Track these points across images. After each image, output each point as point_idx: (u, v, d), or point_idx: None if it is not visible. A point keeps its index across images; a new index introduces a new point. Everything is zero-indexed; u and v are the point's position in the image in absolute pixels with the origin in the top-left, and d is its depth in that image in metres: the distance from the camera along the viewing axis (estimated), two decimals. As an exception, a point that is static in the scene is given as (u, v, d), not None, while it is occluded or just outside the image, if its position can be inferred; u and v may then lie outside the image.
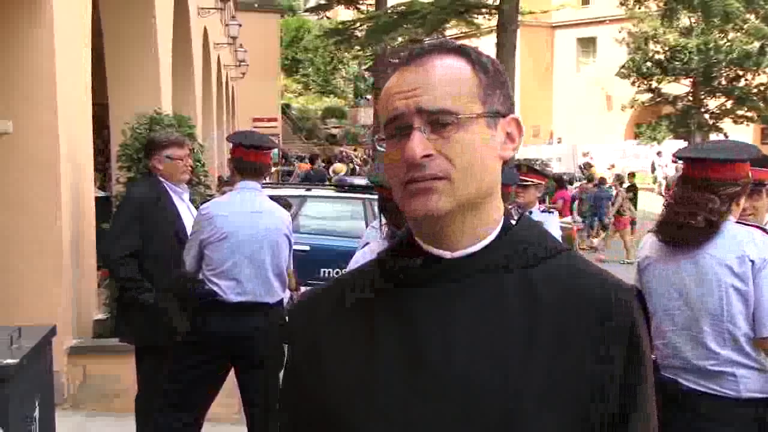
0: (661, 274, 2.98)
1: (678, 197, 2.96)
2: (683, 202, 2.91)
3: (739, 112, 32.54)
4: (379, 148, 1.17)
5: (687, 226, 2.86)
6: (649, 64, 32.79)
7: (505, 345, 1.08)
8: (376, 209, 3.42)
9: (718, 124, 32.95)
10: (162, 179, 4.53)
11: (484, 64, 1.16)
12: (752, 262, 2.76)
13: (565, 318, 1.09)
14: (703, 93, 32.96)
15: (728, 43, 30.98)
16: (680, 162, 3.06)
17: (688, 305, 2.87)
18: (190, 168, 4.72)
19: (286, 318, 4.47)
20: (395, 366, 1.11)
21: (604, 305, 1.09)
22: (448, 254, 1.15)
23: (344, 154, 29.93)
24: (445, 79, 1.12)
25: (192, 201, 6.60)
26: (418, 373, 1.09)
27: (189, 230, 4.44)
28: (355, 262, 3.30)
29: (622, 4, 32.32)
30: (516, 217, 1.22)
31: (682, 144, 32.87)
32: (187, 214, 4.60)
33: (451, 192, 1.10)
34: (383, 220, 3.20)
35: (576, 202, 19.00)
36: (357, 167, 25.24)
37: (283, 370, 1.28)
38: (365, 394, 1.12)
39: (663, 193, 24.80)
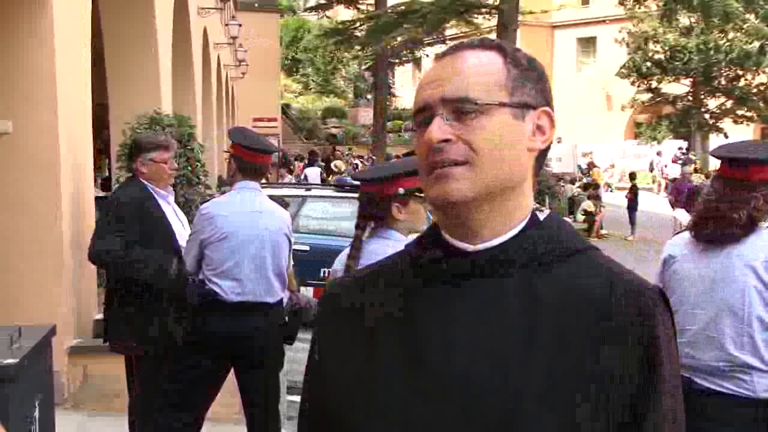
0: (687, 272, 2.96)
1: (719, 194, 2.92)
2: (724, 199, 2.87)
3: (739, 112, 32.52)
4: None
5: (729, 220, 2.83)
6: (648, 64, 32.78)
7: (505, 345, 1.08)
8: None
9: (718, 123, 32.94)
10: (146, 182, 4.43)
11: (517, 58, 1.17)
12: None
13: (565, 318, 1.08)
14: (703, 93, 32.95)
15: (728, 43, 30.97)
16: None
17: (712, 305, 2.86)
18: (174, 172, 4.61)
19: (286, 318, 4.47)
20: (395, 366, 1.11)
21: (604, 305, 1.09)
22: (470, 247, 1.15)
23: (340, 153, 29.93)
24: (471, 70, 1.14)
25: (192, 201, 6.62)
26: (418, 373, 1.09)
27: (177, 234, 4.44)
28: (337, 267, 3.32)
29: (621, 3, 32.32)
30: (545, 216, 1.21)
31: (682, 144, 32.91)
32: (174, 218, 4.54)
33: (472, 178, 1.11)
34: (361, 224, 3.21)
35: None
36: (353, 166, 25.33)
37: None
38: (365, 394, 1.12)
39: (666, 193, 24.73)
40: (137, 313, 4.30)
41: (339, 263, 3.22)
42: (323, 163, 25.08)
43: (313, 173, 20.95)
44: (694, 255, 2.96)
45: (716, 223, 2.87)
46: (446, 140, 1.11)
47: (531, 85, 1.17)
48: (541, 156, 1.19)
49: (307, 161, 23.71)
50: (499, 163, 1.12)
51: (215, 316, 4.10)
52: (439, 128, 1.11)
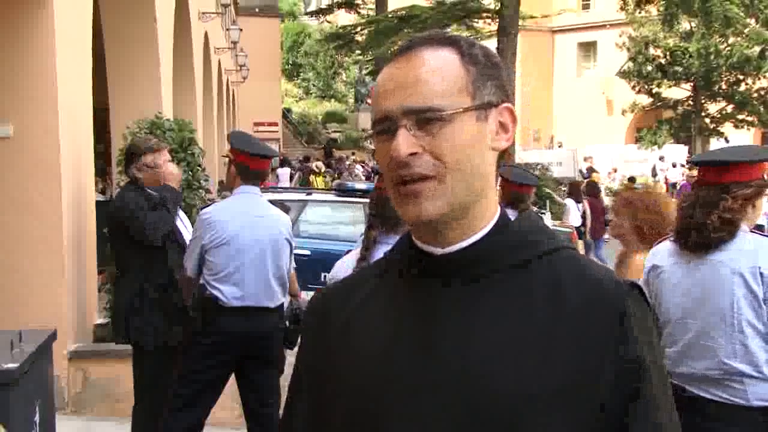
0: (675, 282, 2.96)
1: (691, 201, 2.94)
2: (696, 205, 2.90)
3: (740, 117, 32.49)
4: (368, 145, 1.17)
5: (704, 227, 2.84)
6: (649, 67, 32.77)
7: (516, 345, 1.07)
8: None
9: (718, 128, 32.92)
10: (146, 187, 4.45)
11: (474, 55, 1.14)
12: (761, 274, 2.75)
13: (576, 321, 1.08)
14: (703, 97, 32.94)
15: (728, 48, 30.97)
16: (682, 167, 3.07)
17: (702, 315, 2.86)
18: (178, 175, 4.59)
19: (287, 323, 4.47)
20: (405, 362, 1.11)
21: (590, 307, 1.08)
22: (438, 251, 1.14)
23: (341, 157, 30.02)
24: (431, 75, 1.10)
25: (192, 205, 6.61)
26: (427, 368, 1.09)
27: (183, 235, 4.46)
28: (337, 271, 3.34)
29: (622, 8, 32.33)
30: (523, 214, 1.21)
31: (682, 148, 32.89)
32: (177, 220, 4.58)
33: (442, 193, 1.09)
34: (370, 214, 3.23)
35: None
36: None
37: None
38: (379, 386, 1.11)
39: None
40: (140, 312, 4.32)
41: (344, 268, 3.21)
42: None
43: (284, 173, 22.47)
44: (681, 265, 2.96)
45: (698, 233, 2.88)
46: (413, 153, 1.08)
47: (491, 83, 1.14)
48: (503, 153, 1.17)
49: (279, 163, 24.74)
50: (467, 171, 1.10)
51: (225, 316, 4.10)
52: (405, 141, 1.08)
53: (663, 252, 3.07)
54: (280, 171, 22.60)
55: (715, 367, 2.81)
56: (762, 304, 2.75)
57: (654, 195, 2.57)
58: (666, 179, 31.24)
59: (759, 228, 3.03)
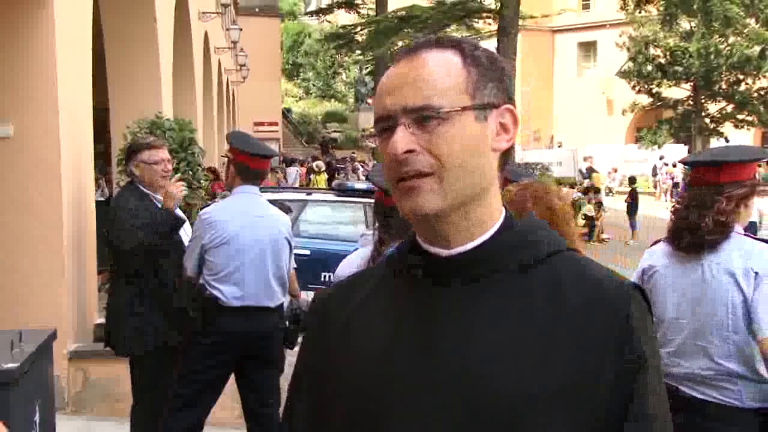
0: (669, 282, 2.97)
1: (686, 202, 2.95)
2: (691, 206, 2.91)
3: (740, 117, 32.51)
4: (369, 144, 1.18)
5: (698, 228, 2.86)
6: (649, 67, 32.79)
7: (516, 345, 1.08)
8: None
9: (718, 128, 32.94)
10: (143, 187, 4.40)
11: (476, 57, 1.15)
12: (756, 273, 2.76)
13: (576, 322, 1.08)
14: (703, 97, 32.95)
15: (728, 48, 30.98)
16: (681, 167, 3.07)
17: (696, 315, 2.87)
18: (168, 173, 4.51)
19: (287, 323, 4.47)
20: (405, 362, 1.11)
21: (590, 308, 1.09)
22: (444, 252, 1.15)
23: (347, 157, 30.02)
24: (430, 75, 1.12)
25: (192, 205, 6.62)
26: (427, 368, 1.10)
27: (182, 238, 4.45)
28: (342, 269, 3.32)
29: (622, 8, 32.36)
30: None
31: (682, 148, 32.92)
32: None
33: (440, 189, 1.10)
34: (377, 226, 3.17)
35: None
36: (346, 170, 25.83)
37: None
38: (379, 385, 1.12)
39: (671, 198, 24.76)
40: (137, 318, 4.30)
41: (349, 267, 3.18)
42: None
43: (292, 171, 23.00)
44: (675, 265, 2.97)
45: (691, 234, 2.89)
46: (410, 151, 1.10)
47: (492, 84, 1.15)
48: (506, 155, 1.17)
49: (286, 163, 25.06)
50: (465, 169, 1.11)
51: (225, 316, 4.10)
52: (402, 139, 1.10)
53: (658, 253, 3.08)
54: (289, 170, 22.86)
55: (708, 367, 2.82)
56: (755, 304, 2.75)
57: (528, 187, 2.52)
58: (665, 179, 31.26)
59: (751, 224, 3.04)
